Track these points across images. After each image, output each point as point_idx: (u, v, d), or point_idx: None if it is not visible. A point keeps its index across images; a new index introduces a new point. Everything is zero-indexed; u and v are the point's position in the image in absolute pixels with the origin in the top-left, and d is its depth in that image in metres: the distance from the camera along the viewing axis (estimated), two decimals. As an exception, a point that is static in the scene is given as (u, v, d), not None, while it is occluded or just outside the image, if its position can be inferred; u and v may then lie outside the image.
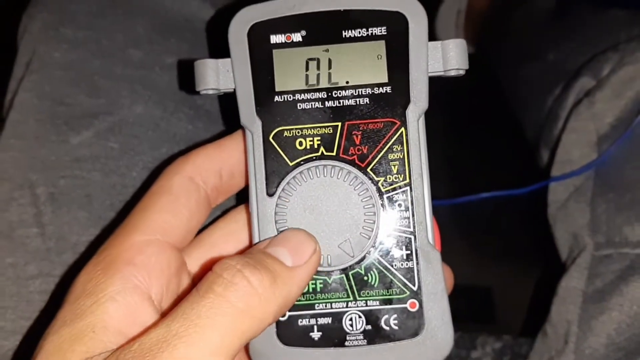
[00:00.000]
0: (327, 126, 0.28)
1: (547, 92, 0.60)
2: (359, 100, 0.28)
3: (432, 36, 1.04)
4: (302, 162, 0.28)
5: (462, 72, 0.29)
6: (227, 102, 0.29)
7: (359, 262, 0.28)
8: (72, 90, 0.37)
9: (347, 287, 0.28)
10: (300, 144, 0.28)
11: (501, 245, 0.90)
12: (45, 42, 0.39)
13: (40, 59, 0.39)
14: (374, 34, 0.28)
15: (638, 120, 0.46)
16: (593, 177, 0.48)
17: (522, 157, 0.75)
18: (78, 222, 0.34)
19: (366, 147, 0.28)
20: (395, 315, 0.27)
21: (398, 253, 0.28)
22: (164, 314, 0.25)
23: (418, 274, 0.28)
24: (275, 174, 0.28)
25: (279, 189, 0.28)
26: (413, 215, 0.28)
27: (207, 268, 0.24)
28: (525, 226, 0.84)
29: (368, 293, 0.28)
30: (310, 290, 0.28)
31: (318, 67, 0.28)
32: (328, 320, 0.27)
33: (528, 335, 0.53)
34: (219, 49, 0.29)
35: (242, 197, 0.29)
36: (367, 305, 0.28)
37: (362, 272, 0.28)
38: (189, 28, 0.42)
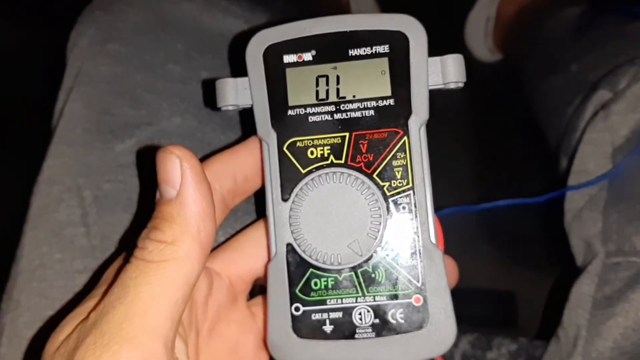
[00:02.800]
0: (336, 136, 0.31)
1: (568, 103, 0.62)
2: (365, 113, 0.31)
3: (461, 42, 1.06)
4: (314, 170, 0.31)
5: (460, 85, 0.32)
6: (249, 114, 0.32)
7: (366, 261, 0.30)
8: (116, 102, 0.41)
9: (356, 283, 0.30)
10: (312, 153, 0.31)
11: (521, 251, 0.91)
12: (92, 57, 0.43)
13: (88, 72, 0.42)
14: (377, 51, 0.31)
15: (651, 134, 0.47)
16: (607, 187, 0.49)
17: (545, 165, 0.76)
18: (121, 223, 0.37)
19: (372, 155, 0.31)
20: (401, 310, 0.30)
21: (403, 252, 0.30)
22: None
23: (422, 271, 0.30)
24: (289, 181, 0.31)
25: (293, 195, 0.30)
26: (416, 217, 0.30)
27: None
28: (545, 233, 0.86)
29: (376, 289, 0.30)
30: (322, 287, 0.30)
31: (327, 83, 0.31)
32: (339, 314, 0.30)
33: (545, 338, 0.55)
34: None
35: (261, 201, 0.32)
36: (375, 301, 0.30)
37: (370, 269, 0.30)
38: (224, 44, 0.45)
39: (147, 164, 0.39)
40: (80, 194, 0.38)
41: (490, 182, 0.98)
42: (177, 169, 0.26)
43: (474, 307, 0.88)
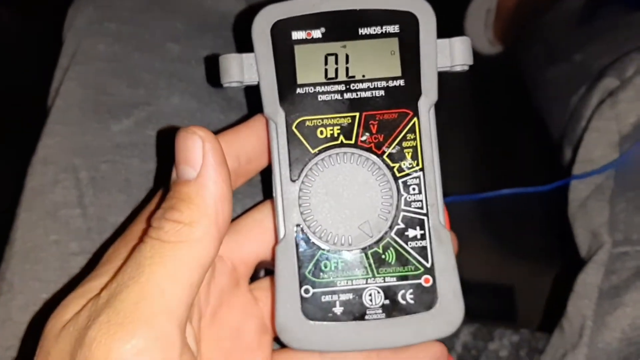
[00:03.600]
0: (346, 116, 0.30)
1: (572, 92, 0.61)
2: (375, 93, 0.30)
3: (461, 34, 1.05)
4: (324, 150, 0.30)
5: (466, 68, 0.31)
6: (250, 95, 0.31)
7: (377, 242, 0.30)
8: (114, 81, 0.40)
9: (367, 264, 0.30)
10: (321, 132, 0.30)
11: (522, 242, 0.91)
12: (90, 35, 0.41)
13: (85, 51, 0.41)
14: (387, 31, 0.30)
15: (660, 122, 0.47)
16: (613, 176, 0.48)
17: (546, 155, 0.76)
18: (117, 205, 0.36)
19: (382, 135, 0.30)
20: (411, 290, 0.29)
21: (412, 233, 0.30)
22: None
23: (431, 252, 0.30)
24: (298, 161, 0.30)
25: (302, 175, 0.30)
26: (426, 198, 0.30)
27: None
28: (547, 224, 0.85)
29: (386, 270, 0.29)
30: (332, 268, 0.29)
31: (336, 62, 0.30)
32: (349, 296, 0.29)
33: (546, 331, 0.54)
34: (248, 44, 0.31)
35: (267, 182, 0.31)
36: (385, 282, 0.29)
37: (380, 250, 0.30)
38: (224, 24, 0.44)
39: (145, 145, 0.38)
40: (76, 175, 0.37)
41: (491, 173, 0.97)
42: (199, 149, 0.26)
43: (474, 299, 0.87)
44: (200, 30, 0.42)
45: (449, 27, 1.06)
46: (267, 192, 0.32)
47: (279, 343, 0.30)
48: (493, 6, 1.02)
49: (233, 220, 0.32)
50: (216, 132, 0.38)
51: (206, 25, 0.43)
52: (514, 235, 0.91)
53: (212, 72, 0.35)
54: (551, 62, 0.71)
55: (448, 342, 0.53)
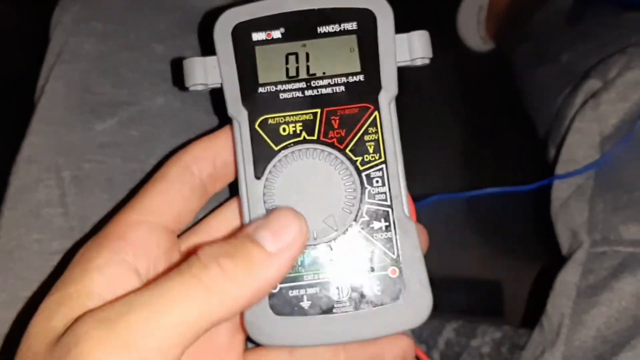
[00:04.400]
0: (308, 113, 0.31)
1: (558, 92, 0.62)
2: (336, 89, 0.31)
3: (454, 31, 1.05)
4: (287, 147, 0.30)
5: (427, 62, 0.32)
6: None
7: (342, 235, 0.30)
8: (99, 81, 0.40)
9: (333, 258, 0.30)
10: (284, 130, 0.31)
11: (508, 240, 0.91)
12: (76, 34, 0.42)
13: (71, 49, 0.41)
14: (346, 29, 0.31)
15: (639, 124, 0.47)
16: (594, 176, 0.49)
17: (535, 153, 0.77)
18: (99, 204, 0.37)
19: (344, 130, 0.31)
20: (378, 282, 0.30)
21: (377, 225, 0.30)
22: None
23: (397, 243, 0.30)
24: (262, 159, 0.30)
25: (266, 172, 0.30)
26: (389, 190, 0.30)
27: (194, 251, 0.26)
28: (531, 222, 0.86)
29: (352, 263, 0.30)
30: (299, 263, 0.30)
31: (297, 61, 0.31)
32: (316, 290, 0.30)
33: (530, 327, 0.55)
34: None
35: (234, 188, 0.32)
36: (352, 274, 0.30)
37: (346, 244, 0.30)
38: (211, 23, 0.44)
39: (128, 145, 0.38)
40: (59, 174, 0.38)
41: (480, 171, 0.98)
42: (291, 235, 0.26)
43: (460, 296, 0.88)
44: (185, 30, 0.43)
45: (442, 24, 1.06)
46: (234, 190, 0.32)
47: (252, 342, 0.31)
48: (485, 3, 1.02)
49: (201, 219, 0.33)
50: (201, 134, 0.39)
51: (192, 24, 0.43)
52: (501, 232, 0.92)
53: (179, 75, 0.36)
54: (539, 62, 0.72)
55: (431, 339, 0.54)
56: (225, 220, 0.32)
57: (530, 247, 0.84)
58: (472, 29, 1.04)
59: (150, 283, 0.25)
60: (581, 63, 0.60)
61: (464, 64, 1.05)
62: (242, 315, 0.30)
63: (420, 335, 0.54)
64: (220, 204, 0.33)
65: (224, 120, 0.32)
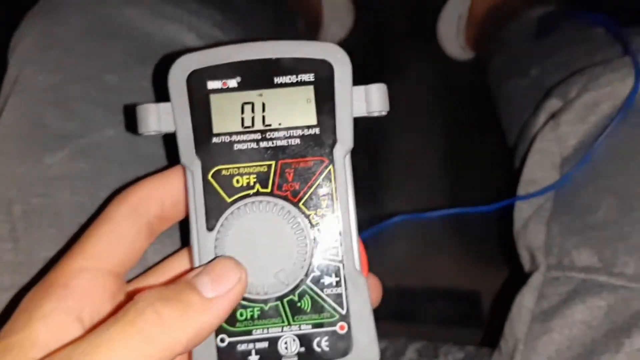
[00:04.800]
0: (262, 165, 0.31)
1: (527, 107, 0.62)
2: (291, 141, 0.31)
3: (434, 40, 1.05)
4: (239, 199, 0.30)
5: (384, 113, 0.32)
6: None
7: (293, 290, 0.30)
8: (50, 112, 0.40)
9: (282, 313, 0.30)
10: (237, 181, 0.30)
11: (485, 250, 0.92)
12: (30, 64, 0.42)
13: (24, 80, 0.41)
14: (303, 80, 0.31)
15: (596, 146, 0.47)
16: (552, 198, 0.49)
17: (512, 164, 0.77)
18: (47, 239, 0.37)
19: (298, 183, 0.31)
20: (326, 337, 0.30)
21: (328, 280, 0.30)
22: None
23: (346, 299, 0.30)
24: (214, 210, 0.30)
25: (218, 224, 0.30)
26: (341, 245, 0.30)
27: (133, 296, 0.26)
28: (504, 235, 0.86)
29: (302, 318, 0.30)
30: (248, 317, 0.30)
31: (253, 110, 0.31)
32: (265, 344, 0.30)
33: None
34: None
35: (186, 229, 0.32)
36: (300, 329, 0.30)
37: (296, 298, 0.30)
38: (167, 51, 0.44)
39: (76, 178, 0.39)
40: (10, 208, 0.38)
41: (460, 180, 0.98)
42: (230, 283, 0.27)
43: (436, 307, 0.89)
44: (140, 60, 0.43)
45: (422, 33, 1.06)
46: (185, 240, 0.32)
47: None
48: (465, 12, 1.02)
49: (153, 266, 0.33)
50: (155, 171, 0.39)
51: (147, 54, 0.43)
52: (475, 244, 0.92)
53: (132, 120, 0.35)
54: (511, 75, 0.72)
55: (394, 359, 0.54)
56: (178, 267, 0.32)
57: (506, 259, 0.84)
58: (452, 38, 1.04)
59: (90, 330, 0.25)
60: (548, 78, 0.60)
61: (444, 73, 1.05)
62: None
63: (383, 356, 0.54)
64: (177, 250, 0.33)
65: (175, 152, 0.32)
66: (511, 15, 0.82)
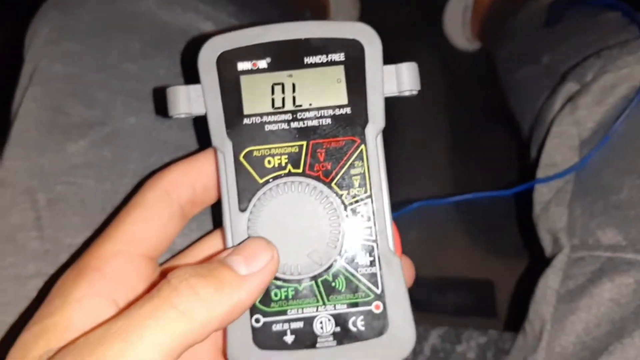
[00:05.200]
0: (293, 145, 0.30)
1: (539, 94, 0.62)
2: (322, 121, 0.30)
3: (440, 31, 1.05)
4: (271, 180, 0.30)
5: (414, 93, 0.31)
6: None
7: (326, 270, 0.30)
8: (70, 102, 0.40)
9: (317, 293, 0.30)
10: (269, 162, 0.30)
11: (498, 239, 0.92)
12: (47, 55, 0.42)
13: (42, 71, 0.41)
14: (333, 59, 0.31)
15: (615, 127, 0.47)
16: (573, 180, 0.49)
17: (521, 155, 0.77)
18: (73, 226, 0.37)
19: (330, 163, 0.30)
20: (361, 317, 0.30)
21: (362, 260, 0.30)
22: None
23: (381, 279, 0.30)
24: (246, 191, 0.30)
25: (251, 205, 0.30)
26: (375, 225, 0.30)
27: (166, 275, 0.26)
28: (520, 222, 0.86)
29: (336, 298, 0.30)
30: (283, 297, 0.30)
31: (283, 91, 0.31)
32: (300, 324, 0.30)
33: (518, 329, 0.55)
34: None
35: (217, 211, 0.31)
36: (335, 309, 0.30)
37: (330, 278, 0.30)
38: (184, 39, 0.44)
39: (100, 166, 0.38)
40: (34, 197, 0.38)
41: (468, 171, 0.98)
42: (263, 260, 0.27)
43: (451, 296, 0.89)
44: (157, 48, 0.43)
45: (428, 24, 1.06)
46: (217, 221, 0.32)
47: None
48: (470, 3, 1.02)
49: (185, 249, 0.33)
50: (177, 157, 0.38)
51: (164, 42, 0.43)
52: (489, 234, 0.92)
53: (161, 103, 0.35)
54: (521, 63, 0.72)
55: (417, 346, 0.54)
56: (210, 249, 0.32)
57: (520, 247, 0.84)
58: (458, 29, 1.04)
59: (123, 310, 0.25)
60: (561, 65, 0.60)
61: (450, 64, 1.05)
62: (225, 347, 0.30)
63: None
64: (207, 233, 0.33)
65: (204, 136, 0.32)
66: (518, 4, 0.82)
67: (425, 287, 0.90)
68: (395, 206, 0.52)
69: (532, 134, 0.61)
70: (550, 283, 0.46)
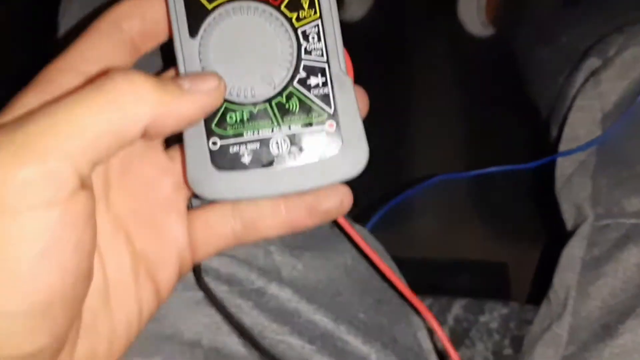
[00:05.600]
0: None
1: (559, 72, 0.63)
2: None
3: (455, 17, 1.06)
4: (221, 4, 0.30)
5: None
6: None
7: (280, 92, 0.30)
8: None
9: (272, 115, 0.30)
10: None
11: (512, 220, 0.93)
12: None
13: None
14: None
15: (638, 100, 0.48)
16: (596, 152, 0.50)
17: (535, 135, 0.78)
18: None
19: None
20: (316, 136, 0.30)
21: (314, 81, 0.30)
22: None
23: (334, 99, 0.30)
24: (196, 17, 0.30)
25: (201, 30, 0.30)
26: (325, 46, 0.30)
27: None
28: (536, 200, 0.87)
29: (290, 119, 0.30)
30: (238, 120, 0.30)
31: None
32: (256, 145, 0.30)
33: (537, 304, 0.57)
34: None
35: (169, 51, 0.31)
36: (290, 130, 0.30)
37: (284, 100, 0.30)
38: None
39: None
40: None
41: (481, 154, 0.99)
42: (211, 84, 0.27)
43: (464, 277, 0.90)
44: None
45: (442, 10, 1.07)
46: (168, 61, 0.31)
47: (197, 199, 0.31)
48: (485, -12, 1.03)
49: None
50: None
51: None
52: (505, 213, 0.93)
53: None
54: (539, 43, 0.73)
55: (440, 316, 0.56)
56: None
57: (534, 227, 0.85)
58: (473, 15, 1.05)
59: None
60: (580, 43, 0.61)
61: (465, 49, 1.06)
62: (184, 172, 0.31)
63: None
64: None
65: None
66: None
67: (438, 271, 0.92)
68: (417, 181, 0.54)
69: (552, 111, 0.62)
70: (574, 251, 0.47)
